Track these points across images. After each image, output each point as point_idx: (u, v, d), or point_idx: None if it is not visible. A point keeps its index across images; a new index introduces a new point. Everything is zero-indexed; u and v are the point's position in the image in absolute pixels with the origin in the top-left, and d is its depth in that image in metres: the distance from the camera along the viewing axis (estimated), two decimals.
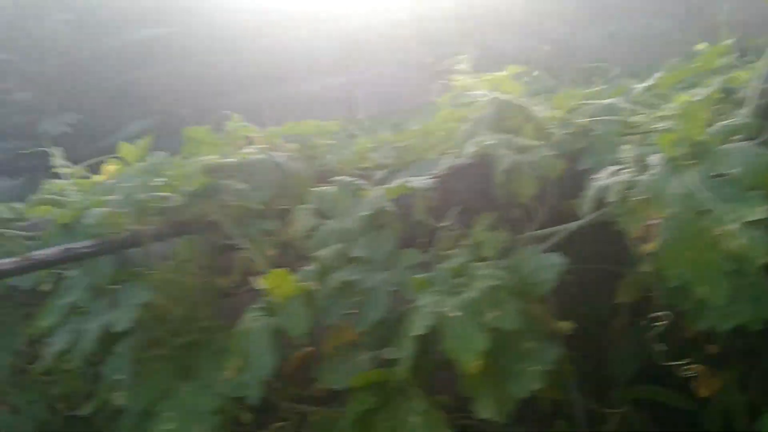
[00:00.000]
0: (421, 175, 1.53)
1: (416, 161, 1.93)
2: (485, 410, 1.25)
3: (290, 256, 1.74)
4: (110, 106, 6.34)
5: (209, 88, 6.45)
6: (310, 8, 6.19)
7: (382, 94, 6.51)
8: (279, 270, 1.41)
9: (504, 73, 1.66)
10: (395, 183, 1.51)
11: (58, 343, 1.55)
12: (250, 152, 1.81)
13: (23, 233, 2.53)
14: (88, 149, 6.20)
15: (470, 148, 1.43)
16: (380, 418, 1.39)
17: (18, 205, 2.90)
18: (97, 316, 1.56)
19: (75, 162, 6.44)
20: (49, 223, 2.53)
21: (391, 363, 1.42)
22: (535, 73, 4.66)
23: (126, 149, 2.52)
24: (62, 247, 1.58)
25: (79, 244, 1.60)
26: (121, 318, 1.49)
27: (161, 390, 1.56)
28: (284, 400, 1.66)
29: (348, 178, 1.74)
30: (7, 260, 1.52)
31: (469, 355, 1.20)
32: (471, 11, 5.80)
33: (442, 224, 1.54)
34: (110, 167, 2.07)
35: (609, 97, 1.68)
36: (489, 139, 1.42)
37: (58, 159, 2.58)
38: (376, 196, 1.51)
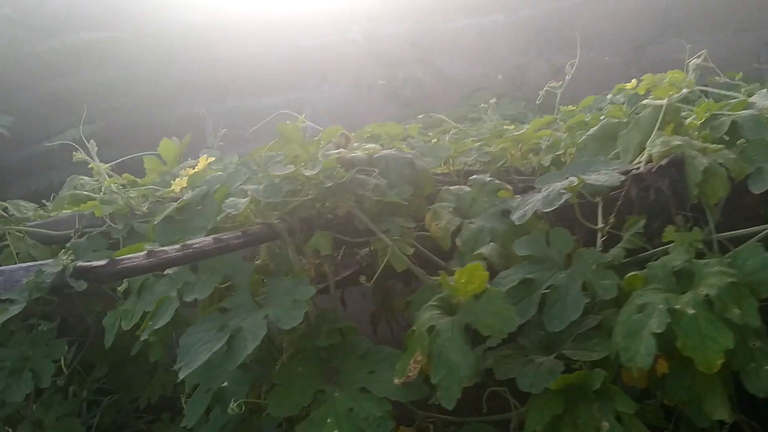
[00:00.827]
0: (590, 174, 1.47)
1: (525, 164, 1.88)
2: (717, 411, 1.19)
3: (424, 254, 1.64)
4: (45, 111, 5.91)
5: (152, 97, 6.13)
6: (262, 23, 6.02)
7: (331, 113, 6.40)
8: (474, 264, 1.30)
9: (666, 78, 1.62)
10: (568, 181, 1.45)
11: (204, 344, 1.36)
12: (374, 149, 1.70)
13: (53, 232, 2.29)
14: (21, 153, 5.73)
15: (657, 148, 1.38)
16: (566, 422, 1.31)
17: (23, 203, 2.63)
18: (248, 315, 1.39)
19: (5, 165, 5.91)
20: (81, 218, 2.29)
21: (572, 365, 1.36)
22: (493, 99, 4.68)
23: (165, 147, 2.34)
24: (212, 237, 1.40)
25: (228, 235, 1.43)
26: (289, 315, 1.33)
27: (310, 395, 1.41)
28: (417, 407, 1.54)
29: (486, 178, 1.65)
30: (171, 248, 1.33)
31: (711, 353, 1.15)
32: (425, 36, 5.81)
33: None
34: (200, 162, 1.88)
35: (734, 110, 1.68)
36: (676, 140, 1.38)
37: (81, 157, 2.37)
38: (552, 190, 1.44)
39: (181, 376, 1.33)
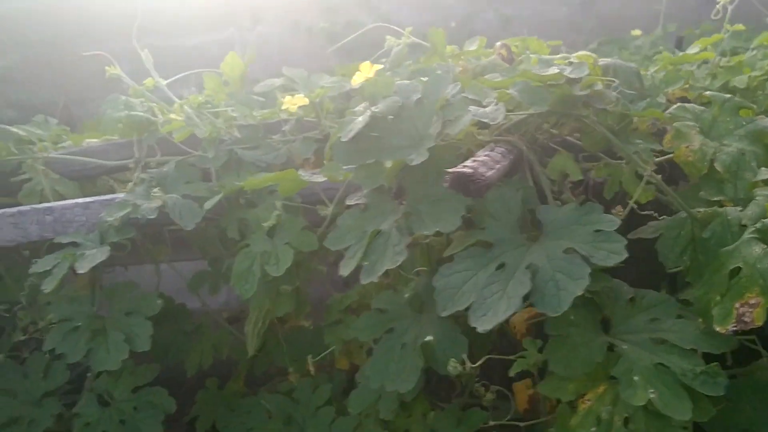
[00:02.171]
0: None
1: None
2: None
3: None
4: None
5: (57, 32, 5.39)
6: None
7: (265, 56, 5.91)
8: None
9: None
10: None
11: (486, 286, 1.05)
12: (586, 56, 1.41)
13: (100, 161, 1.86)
14: None
15: None
16: None
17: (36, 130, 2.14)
18: (526, 250, 1.08)
19: None
20: (139, 145, 1.86)
21: None
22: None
23: (231, 63, 1.96)
24: (484, 154, 1.07)
25: (498, 152, 1.10)
26: (604, 250, 1.04)
27: (599, 349, 1.13)
28: None
29: (725, 95, 1.42)
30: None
31: None
32: None
33: None
34: (363, 69, 1.52)
35: None
36: None
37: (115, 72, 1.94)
38: None
39: (484, 327, 1.00)
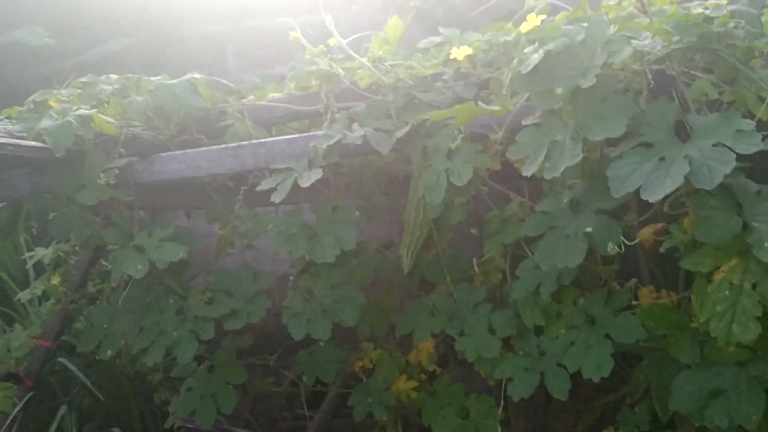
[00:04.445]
0: None
1: None
2: None
3: None
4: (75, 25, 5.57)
5: (165, 15, 5.83)
6: None
7: (359, 33, 6.26)
8: None
9: None
10: None
11: (652, 172, 1.40)
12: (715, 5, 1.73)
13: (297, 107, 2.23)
14: (62, 66, 5.39)
15: None
16: None
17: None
18: (682, 147, 1.43)
19: (50, 78, 5.56)
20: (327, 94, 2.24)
21: None
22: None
23: (393, 26, 2.33)
24: None
25: None
26: (741, 142, 1.38)
27: (735, 225, 1.47)
28: None
29: None
30: None
31: None
32: None
33: None
34: (530, 19, 1.85)
35: None
36: None
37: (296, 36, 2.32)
38: None
39: (655, 198, 1.36)
